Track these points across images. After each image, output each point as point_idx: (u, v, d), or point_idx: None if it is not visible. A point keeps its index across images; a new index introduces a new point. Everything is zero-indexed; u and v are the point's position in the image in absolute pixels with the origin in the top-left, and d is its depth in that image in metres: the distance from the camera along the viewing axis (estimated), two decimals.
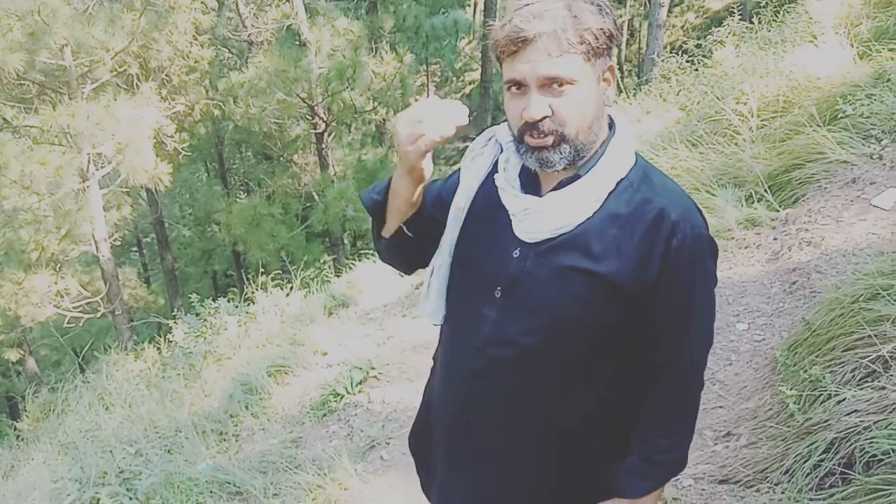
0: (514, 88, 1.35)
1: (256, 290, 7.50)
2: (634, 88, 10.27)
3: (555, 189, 1.42)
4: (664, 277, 1.37)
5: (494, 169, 1.53)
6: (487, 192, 1.52)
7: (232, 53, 15.47)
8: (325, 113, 11.86)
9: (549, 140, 1.35)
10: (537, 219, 1.40)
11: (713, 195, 4.60)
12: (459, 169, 1.64)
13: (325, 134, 12.05)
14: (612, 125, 1.47)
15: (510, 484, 1.58)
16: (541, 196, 1.44)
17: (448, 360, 1.64)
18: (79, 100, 10.15)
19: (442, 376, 1.67)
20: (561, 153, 1.36)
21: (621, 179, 1.41)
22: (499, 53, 1.36)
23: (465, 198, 1.54)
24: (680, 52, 9.80)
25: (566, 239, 1.39)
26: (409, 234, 1.55)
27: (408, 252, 1.62)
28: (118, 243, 13.15)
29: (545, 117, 1.33)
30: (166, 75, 12.18)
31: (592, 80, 1.35)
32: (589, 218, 1.39)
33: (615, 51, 1.45)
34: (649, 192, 1.40)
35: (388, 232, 1.56)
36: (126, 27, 10.30)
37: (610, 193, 1.40)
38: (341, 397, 4.51)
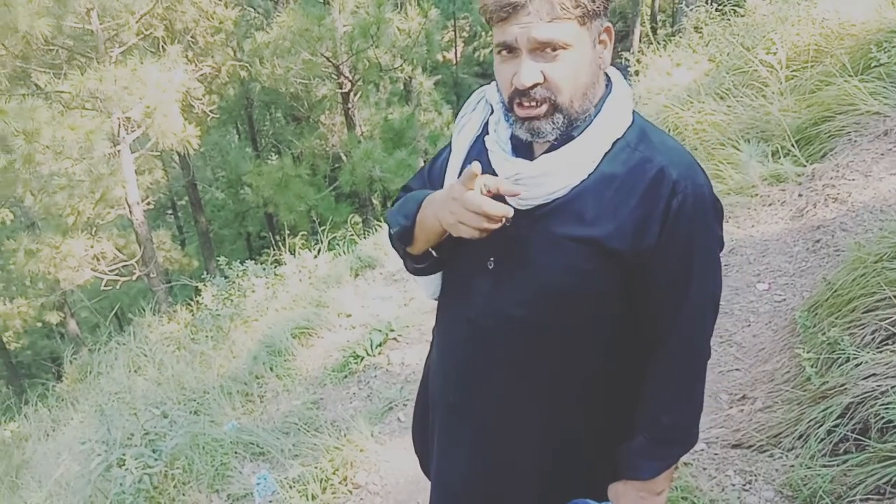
0: (504, 52, 1.28)
1: (288, 252, 7.55)
2: (664, 40, 9.97)
3: (547, 152, 1.35)
4: (664, 240, 1.30)
5: (485, 130, 1.46)
6: (478, 155, 1.45)
7: (258, 13, 15.39)
8: (350, 72, 11.76)
9: (542, 109, 1.28)
10: (529, 185, 1.33)
11: (738, 150, 4.46)
12: (447, 146, 1.59)
13: (351, 93, 11.96)
14: (607, 83, 1.39)
15: (507, 459, 1.54)
16: (532, 159, 1.37)
17: (443, 334, 1.60)
18: (106, 64, 10.21)
19: (438, 351, 1.63)
20: (553, 123, 1.29)
21: (618, 140, 1.34)
22: (487, 17, 1.29)
23: (458, 163, 1.49)
24: (715, 1, 9.45)
25: (560, 204, 1.33)
26: (436, 255, 1.49)
27: (435, 271, 1.57)
28: (151, 207, 13.36)
29: (536, 84, 1.26)
30: (192, 37, 12.19)
31: (587, 43, 1.28)
32: (584, 181, 1.32)
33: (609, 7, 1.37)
34: (648, 151, 1.32)
35: (414, 251, 1.50)
36: None
37: (606, 154, 1.33)
38: (361, 359, 4.55)
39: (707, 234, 1.36)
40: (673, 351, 1.41)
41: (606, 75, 1.39)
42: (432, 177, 1.57)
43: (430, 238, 1.43)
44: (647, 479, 1.47)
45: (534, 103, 1.27)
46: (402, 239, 1.47)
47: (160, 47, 11.43)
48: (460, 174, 1.47)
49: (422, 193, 1.47)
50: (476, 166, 1.24)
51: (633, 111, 1.39)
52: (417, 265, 1.52)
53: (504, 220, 1.26)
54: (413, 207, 1.44)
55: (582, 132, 1.33)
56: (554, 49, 1.24)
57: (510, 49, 1.27)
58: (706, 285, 1.40)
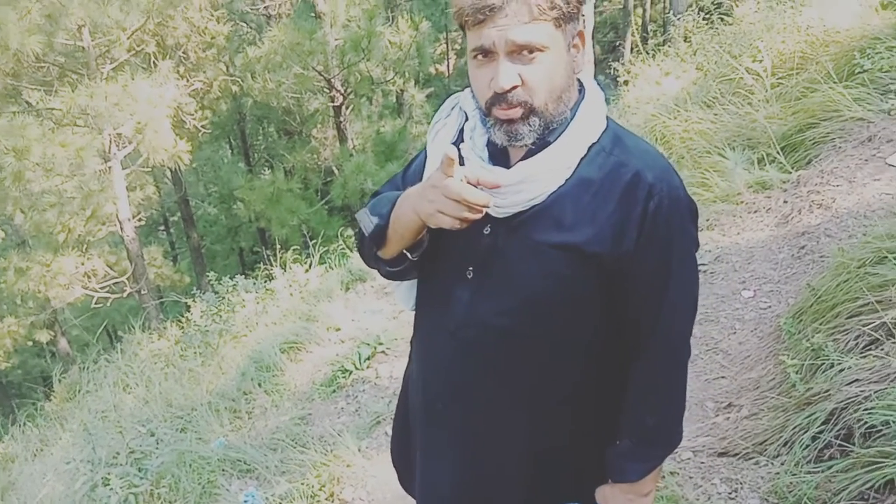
0: (480, 56, 1.27)
1: (279, 266, 7.53)
2: (653, 50, 10.01)
3: (523, 158, 1.34)
4: (642, 243, 1.30)
5: (460, 138, 1.44)
6: None
7: (251, 28, 15.44)
8: (341, 85, 11.78)
9: (518, 112, 1.27)
10: (508, 192, 1.32)
11: (724, 158, 4.46)
12: (421, 152, 1.57)
13: (343, 107, 11.98)
14: (581, 89, 1.39)
15: (493, 466, 1.52)
16: (509, 167, 1.35)
17: (422, 345, 1.58)
18: (98, 80, 10.20)
19: (417, 362, 1.61)
20: (530, 126, 1.29)
21: (592, 144, 1.33)
22: (462, 22, 1.28)
23: (434, 168, 1.46)
24: (703, 11, 9.51)
25: (538, 210, 1.32)
26: (413, 258, 1.43)
27: (410, 275, 1.53)
28: (143, 223, 13.32)
29: (515, 87, 1.25)
30: (183, 52, 12.20)
31: (563, 47, 1.27)
32: (561, 186, 1.31)
33: (583, 17, 1.36)
34: (623, 156, 1.32)
35: (387, 255, 1.46)
36: (141, 5, 10.27)
37: (581, 160, 1.32)
38: (350, 373, 4.52)
39: (684, 235, 1.36)
40: (655, 352, 1.41)
41: (579, 81, 1.39)
42: (406, 182, 1.54)
43: (406, 236, 1.39)
44: (635, 480, 1.46)
45: (511, 106, 1.26)
46: (374, 239, 1.43)
47: (151, 63, 11.43)
48: None
49: (394, 193, 1.44)
50: (452, 151, 1.22)
51: (607, 116, 1.39)
52: (392, 268, 1.48)
53: (485, 209, 1.24)
54: (387, 206, 1.42)
55: (558, 137, 1.32)
56: (531, 52, 1.23)
57: (486, 53, 1.26)
58: (685, 285, 1.40)
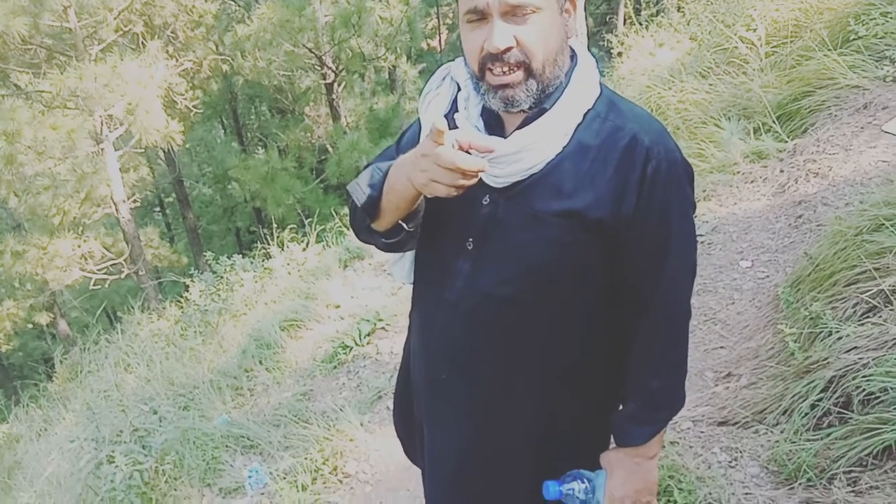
0: (473, 18, 1.26)
1: (276, 245, 7.54)
2: (647, 21, 9.95)
3: (520, 127, 1.33)
4: (642, 206, 1.30)
5: (454, 108, 1.43)
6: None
7: (238, 6, 15.26)
8: (333, 62, 11.69)
9: (518, 75, 1.26)
10: (505, 162, 1.31)
11: (720, 128, 4.46)
12: (415, 122, 1.56)
13: (335, 84, 11.90)
14: (573, 56, 1.39)
15: (499, 434, 1.53)
16: (505, 136, 1.35)
17: (423, 318, 1.58)
18: (86, 62, 10.11)
19: (419, 335, 1.61)
20: (527, 90, 1.28)
21: (588, 111, 1.33)
22: None
23: None
24: None
25: (537, 178, 1.32)
26: (409, 228, 1.40)
27: (407, 246, 1.50)
28: (138, 204, 13.27)
29: (510, 48, 1.24)
30: (172, 32, 12.09)
31: (555, 9, 1.27)
32: (559, 154, 1.31)
33: None
34: (618, 120, 1.32)
35: (381, 226, 1.43)
36: None
37: (578, 126, 1.32)
38: (350, 349, 4.55)
39: (681, 197, 1.37)
40: (656, 315, 1.42)
41: (571, 48, 1.39)
42: (400, 154, 1.52)
43: (401, 206, 1.37)
44: (640, 444, 1.47)
45: (506, 68, 1.26)
46: (368, 211, 1.40)
47: (140, 43, 11.33)
48: None
49: (386, 163, 1.42)
50: (441, 122, 1.18)
51: (600, 82, 1.39)
52: (388, 240, 1.46)
53: (479, 174, 1.21)
54: (379, 177, 1.39)
55: (553, 104, 1.32)
56: (524, 12, 1.23)
57: (480, 14, 1.25)
58: (684, 247, 1.41)
